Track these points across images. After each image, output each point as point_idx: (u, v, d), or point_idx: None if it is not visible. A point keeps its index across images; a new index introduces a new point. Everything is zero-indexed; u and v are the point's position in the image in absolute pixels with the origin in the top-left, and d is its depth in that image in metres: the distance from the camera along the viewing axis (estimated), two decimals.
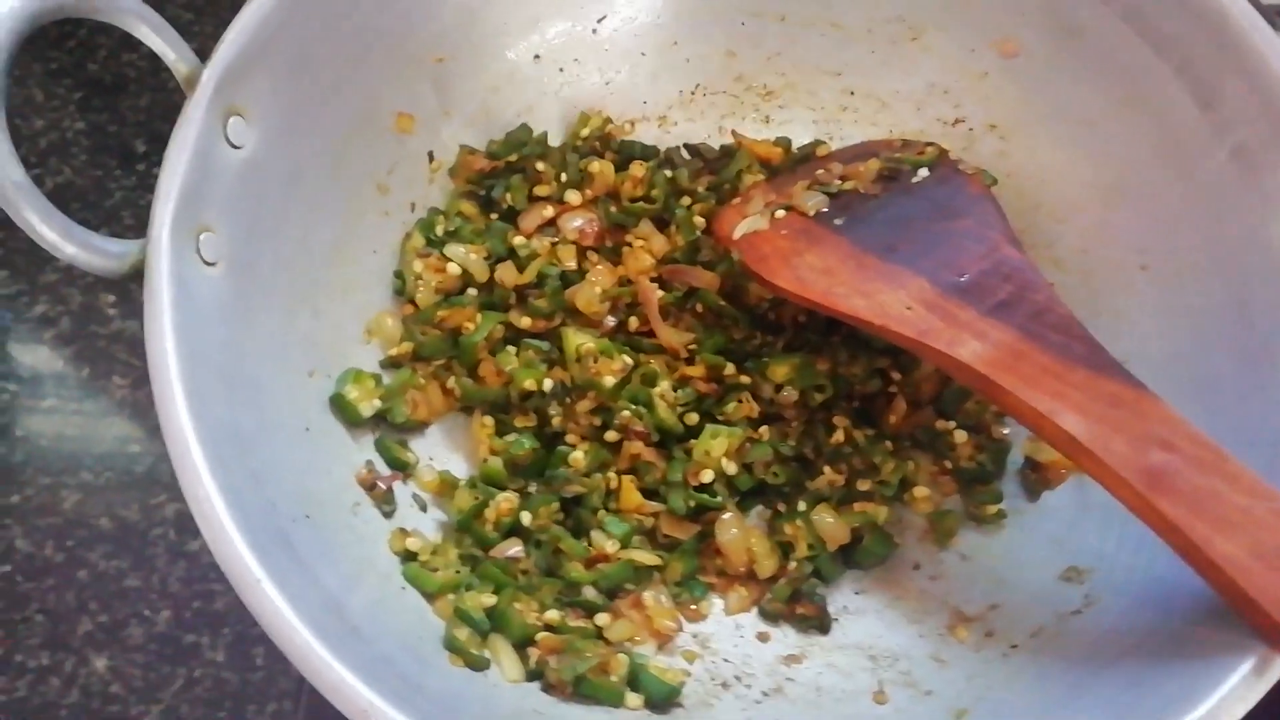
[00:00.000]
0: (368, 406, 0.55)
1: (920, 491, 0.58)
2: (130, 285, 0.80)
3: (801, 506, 0.57)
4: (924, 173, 0.58)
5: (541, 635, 0.50)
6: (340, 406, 0.54)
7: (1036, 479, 0.58)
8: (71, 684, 0.67)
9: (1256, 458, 0.46)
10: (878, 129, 0.65)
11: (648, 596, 0.54)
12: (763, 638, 0.55)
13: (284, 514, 0.45)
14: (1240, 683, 0.40)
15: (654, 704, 0.50)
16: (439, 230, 0.61)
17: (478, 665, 0.49)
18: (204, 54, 0.49)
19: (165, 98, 0.85)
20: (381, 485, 0.54)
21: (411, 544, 0.52)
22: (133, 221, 0.79)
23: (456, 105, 0.62)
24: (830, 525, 0.56)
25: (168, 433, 0.42)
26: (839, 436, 0.58)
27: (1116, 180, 0.57)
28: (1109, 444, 0.43)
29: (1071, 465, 0.56)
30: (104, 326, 0.77)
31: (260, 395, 0.48)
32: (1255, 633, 0.41)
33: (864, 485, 0.58)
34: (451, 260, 0.60)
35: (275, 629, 0.39)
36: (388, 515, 0.54)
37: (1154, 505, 0.42)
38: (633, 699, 0.50)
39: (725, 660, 0.54)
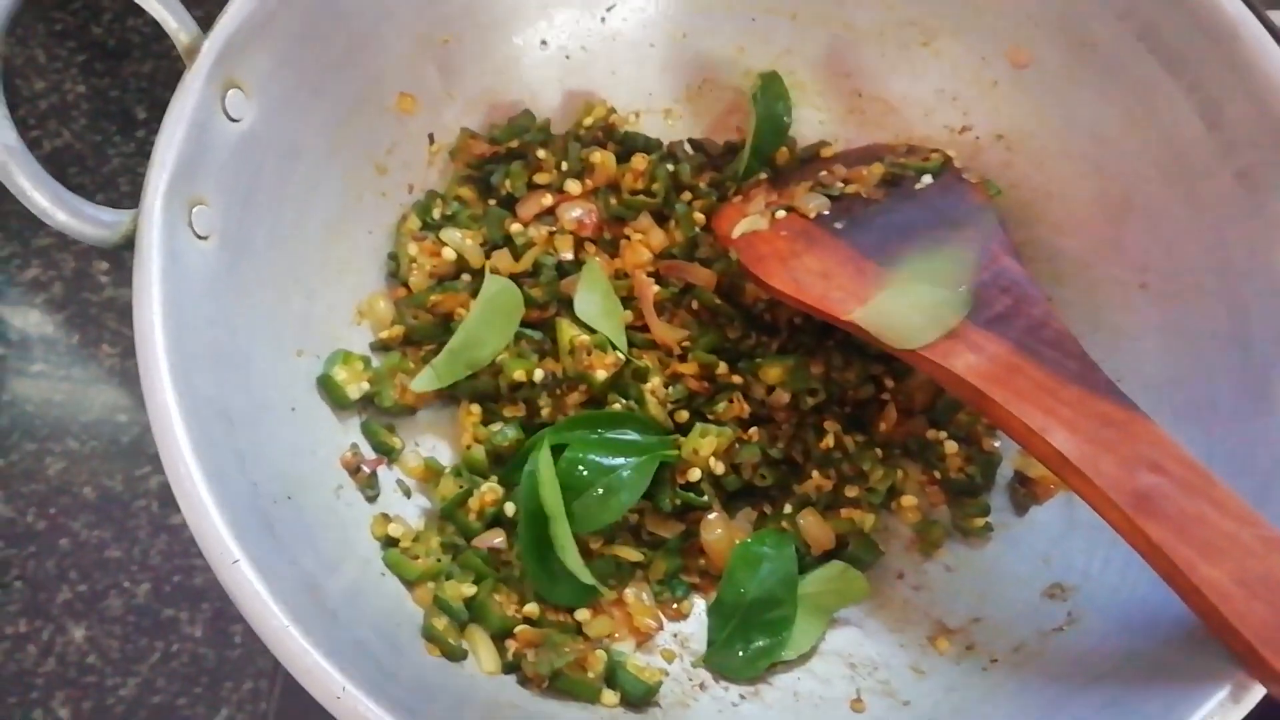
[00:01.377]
0: (355, 389, 0.54)
1: (908, 500, 0.58)
2: (124, 253, 0.79)
3: (788, 510, 0.57)
4: (927, 179, 0.58)
5: (520, 628, 0.50)
6: (328, 388, 0.54)
7: (1025, 494, 0.57)
8: (48, 653, 0.66)
9: (1250, 485, 0.46)
10: (884, 133, 0.64)
11: (629, 593, 0.54)
12: None
13: (266, 494, 0.44)
14: (1216, 709, 0.40)
15: (630, 702, 0.50)
16: (436, 214, 0.61)
17: (455, 655, 0.48)
18: (207, 24, 0.48)
19: (169, 65, 0.85)
20: (366, 469, 0.53)
21: (393, 530, 0.52)
22: (129, 188, 0.79)
23: (460, 88, 0.62)
24: (816, 530, 0.56)
25: (151, 406, 0.41)
26: (829, 441, 0.57)
27: (1121, 197, 0.57)
28: (1098, 464, 0.43)
29: (1060, 482, 0.56)
30: (96, 293, 0.77)
31: (248, 373, 0.48)
32: (1234, 659, 0.40)
33: (852, 492, 0.57)
34: (447, 245, 0.59)
35: (251, 610, 0.39)
36: (371, 500, 0.53)
37: (1139, 527, 0.41)
38: (609, 696, 0.50)
39: (705, 661, 0.54)
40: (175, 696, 0.66)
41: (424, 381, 0.55)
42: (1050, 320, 0.49)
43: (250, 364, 0.48)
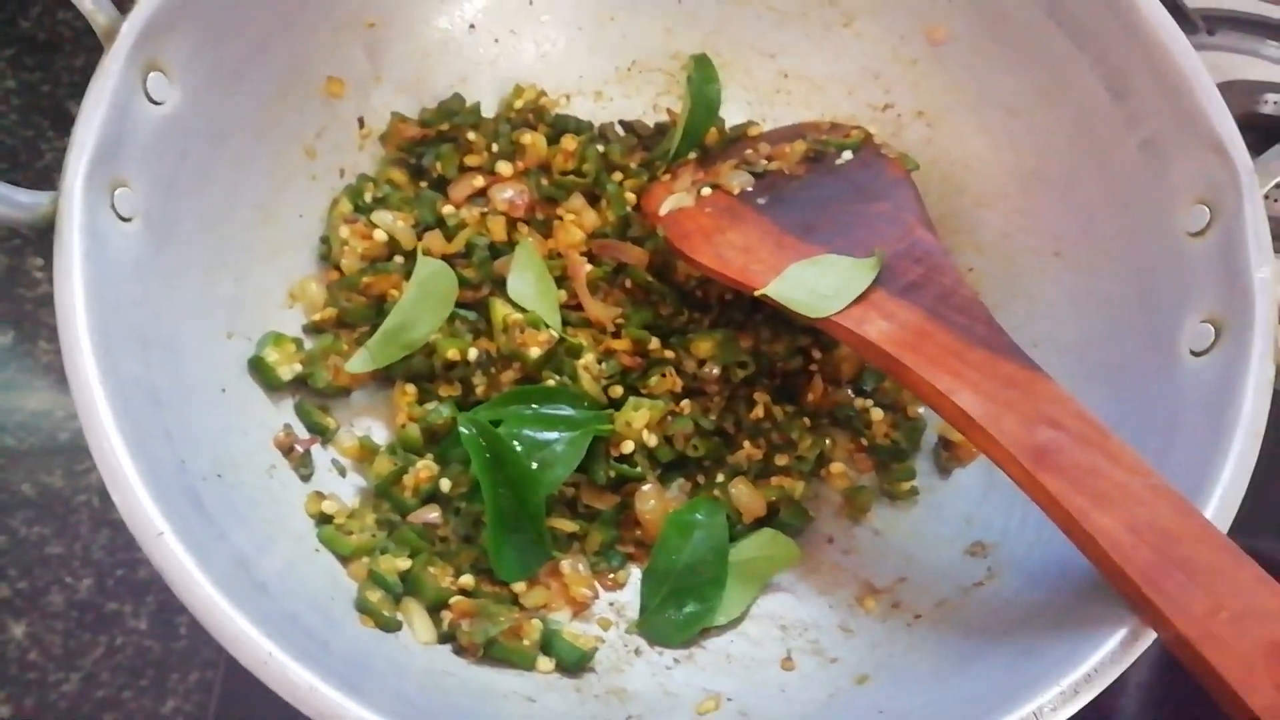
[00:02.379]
0: (287, 370, 0.55)
1: (836, 467, 0.60)
2: (38, 230, 0.78)
3: (720, 479, 0.58)
4: (848, 155, 0.59)
5: (455, 599, 0.51)
6: (259, 369, 0.54)
7: (948, 457, 0.59)
8: None
9: (1154, 440, 0.48)
10: (811, 111, 0.66)
11: (565, 565, 0.55)
12: None
13: (194, 472, 0.45)
14: (1113, 650, 0.42)
15: (565, 668, 0.51)
16: (367, 197, 0.61)
17: (389, 626, 0.49)
18: (125, 7, 0.48)
19: (101, 58, 0.84)
20: (299, 449, 0.53)
21: (327, 507, 0.52)
22: None
23: (388, 71, 0.62)
24: (747, 498, 0.57)
25: (74, 384, 0.41)
26: (759, 412, 0.59)
27: (1036, 168, 0.59)
28: (1000, 422, 0.44)
29: None
30: (31, 289, 0.76)
31: (176, 354, 0.48)
32: (1125, 604, 0.42)
33: (782, 460, 0.59)
34: (379, 227, 0.59)
35: (177, 581, 0.39)
36: (305, 479, 0.54)
37: (1038, 479, 0.43)
38: (544, 663, 0.50)
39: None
40: (120, 690, 0.66)
41: (359, 363, 0.56)
42: (959, 288, 0.50)
43: (178, 345, 0.48)
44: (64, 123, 0.81)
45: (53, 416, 0.72)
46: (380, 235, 0.59)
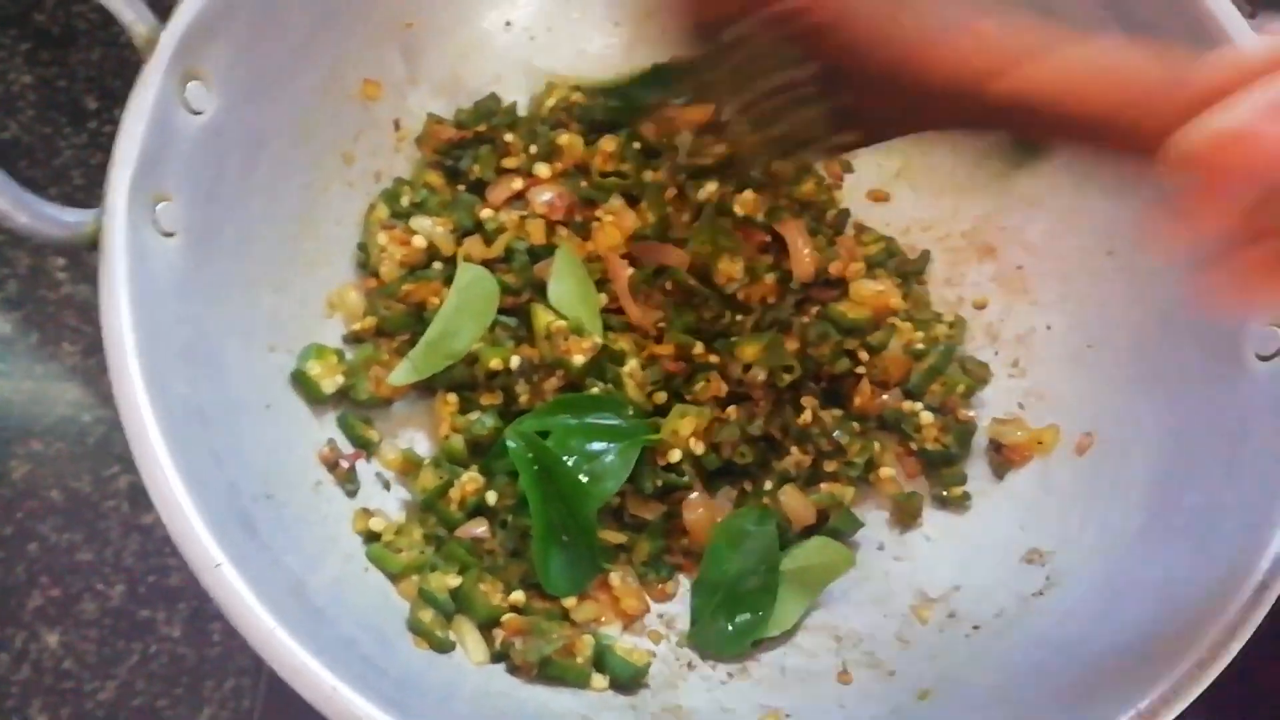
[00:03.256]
0: (330, 383, 0.54)
1: (886, 472, 0.59)
2: (80, 249, 0.77)
3: (768, 486, 0.57)
4: None
5: (507, 617, 0.50)
6: (302, 383, 0.53)
7: (1000, 460, 0.58)
8: (22, 660, 0.65)
9: (1221, 447, 0.47)
10: None
11: (614, 577, 0.54)
12: None
13: (245, 494, 0.44)
14: (1194, 668, 0.41)
15: (620, 684, 0.50)
16: (404, 201, 0.60)
17: (442, 647, 0.48)
18: (161, 12, 0.47)
19: (117, 53, 0.82)
20: (344, 464, 0.53)
21: (375, 524, 0.51)
22: (82, 181, 0.77)
23: (424, 73, 0.61)
24: (797, 505, 0.56)
25: (124, 412, 0.41)
26: (806, 417, 0.58)
27: (1086, 167, 0.57)
28: None
29: (1035, 448, 0.57)
30: (53, 291, 0.75)
31: (221, 372, 0.47)
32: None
33: (830, 466, 0.58)
34: (417, 233, 0.58)
35: (236, 614, 0.39)
36: (351, 494, 0.53)
37: None
38: (598, 680, 0.50)
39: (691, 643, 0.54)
40: (156, 698, 0.65)
41: (402, 374, 0.55)
42: None
43: (223, 362, 0.47)
44: (81, 119, 0.79)
45: (79, 420, 0.71)
46: (419, 241, 0.58)
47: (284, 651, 0.38)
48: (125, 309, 0.42)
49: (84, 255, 0.74)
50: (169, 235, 0.46)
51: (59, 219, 0.43)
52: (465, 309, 0.55)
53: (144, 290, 0.43)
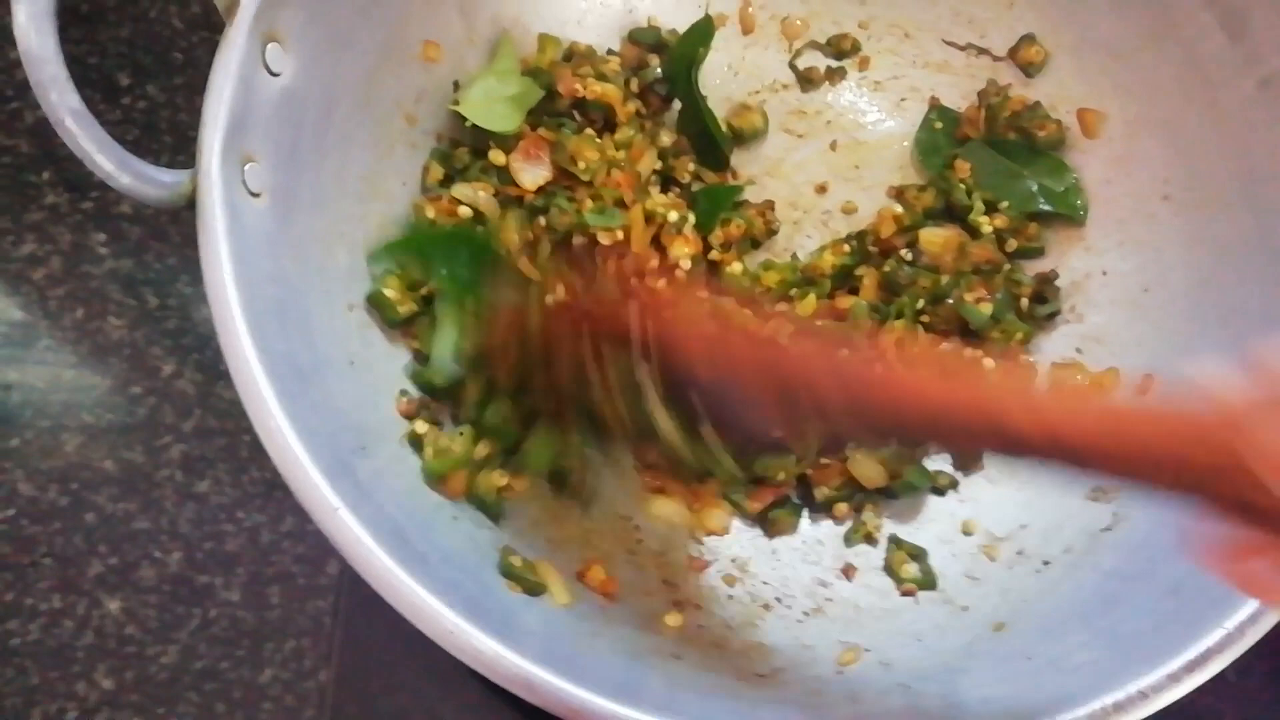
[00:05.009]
0: (405, 308, 0.54)
1: None
2: (121, 223, 0.77)
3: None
4: None
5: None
6: (379, 305, 0.53)
7: None
8: (85, 626, 0.66)
9: None
10: (899, 59, 0.65)
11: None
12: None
13: (344, 446, 0.45)
14: None
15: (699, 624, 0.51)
16: (457, 163, 0.60)
17: (534, 590, 0.49)
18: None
19: (146, 28, 0.82)
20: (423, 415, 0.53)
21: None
22: None
23: (480, 32, 0.61)
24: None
25: (233, 364, 0.41)
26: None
27: (1140, 112, 0.59)
28: None
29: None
30: (96, 266, 0.75)
31: (309, 329, 0.48)
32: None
33: None
34: (462, 203, 0.58)
35: (355, 556, 0.40)
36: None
37: None
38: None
39: (764, 583, 0.55)
40: (218, 660, 0.66)
41: None
42: None
43: (310, 320, 0.48)
44: (115, 95, 0.79)
45: (128, 393, 0.72)
46: (464, 211, 0.58)
47: (405, 591, 0.39)
48: (227, 266, 0.42)
49: (125, 230, 0.74)
50: (256, 195, 0.46)
51: (158, 179, 0.44)
52: None
53: (240, 248, 0.44)
